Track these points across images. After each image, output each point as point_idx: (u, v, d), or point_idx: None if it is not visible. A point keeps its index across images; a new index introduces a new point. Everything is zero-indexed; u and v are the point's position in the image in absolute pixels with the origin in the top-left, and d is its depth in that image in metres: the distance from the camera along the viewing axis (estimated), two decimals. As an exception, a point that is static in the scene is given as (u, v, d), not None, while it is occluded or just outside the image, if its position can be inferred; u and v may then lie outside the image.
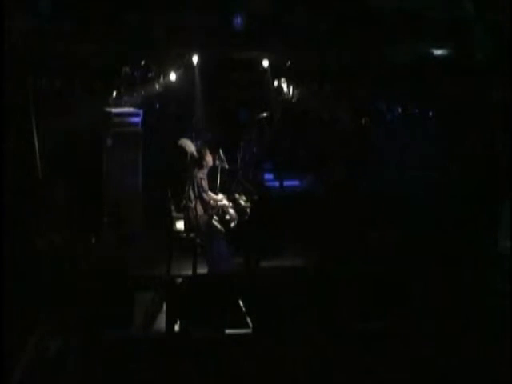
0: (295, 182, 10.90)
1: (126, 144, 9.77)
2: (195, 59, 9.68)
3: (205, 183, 8.35)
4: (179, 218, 8.44)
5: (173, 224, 8.45)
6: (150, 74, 10.11)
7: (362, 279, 7.92)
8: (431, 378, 6.07)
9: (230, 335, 6.87)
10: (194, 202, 8.14)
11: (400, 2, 9.06)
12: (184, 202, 8.26)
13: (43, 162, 8.98)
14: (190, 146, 8.59)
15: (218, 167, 8.71)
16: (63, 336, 6.42)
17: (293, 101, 11.09)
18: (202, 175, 8.31)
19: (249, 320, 7.16)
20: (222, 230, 8.30)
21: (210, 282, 7.78)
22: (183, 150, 8.58)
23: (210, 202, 8.26)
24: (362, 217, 9.94)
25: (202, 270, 8.19)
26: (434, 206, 9.79)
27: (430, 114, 10.87)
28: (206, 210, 8.21)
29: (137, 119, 9.85)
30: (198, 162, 8.33)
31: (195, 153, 8.46)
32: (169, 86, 10.24)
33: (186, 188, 8.23)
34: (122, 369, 6.03)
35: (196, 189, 8.16)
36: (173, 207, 8.54)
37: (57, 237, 8.67)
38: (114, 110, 9.78)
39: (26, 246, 8.08)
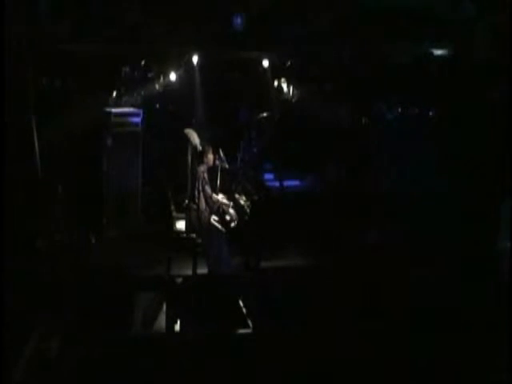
0: (295, 182, 10.90)
1: (126, 144, 9.77)
2: (195, 59, 9.68)
3: (206, 176, 8.31)
4: (179, 218, 8.44)
5: (173, 224, 8.44)
6: (149, 74, 10.10)
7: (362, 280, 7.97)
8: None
9: (230, 335, 6.88)
10: (197, 201, 8.10)
11: (400, 1, 9.07)
12: (187, 201, 8.23)
13: (43, 161, 8.98)
14: (195, 138, 8.45)
15: (217, 167, 8.70)
16: (63, 336, 6.42)
17: (293, 101, 11.09)
18: (203, 169, 8.26)
19: (249, 320, 7.17)
20: (222, 230, 8.29)
21: (210, 282, 7.78)
22: (187, 140, 8.46)
23: (212, 196, 8.24)
24: (361, 216, 9.95)
25: (202, 270, 8.19)
26: (434, 205, 9.79)
27: (430, 113, 10.87)
28: (208, 204, 8.15)
29: (137, 119, 9.85)
30: (200, 157, 8.27)
31: (199, 146, 8.38)
32: (169, 85, 10.24)
33: (189, 186, 8.19)
34: (121, 369, 6.03)
35: (199, 182, 8.10)
36: (173, 207, 8.53)
37: (56, 237, 8.68)
38: (113, 109, 9.79)
39: (26, 245, 8.08)
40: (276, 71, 10.46)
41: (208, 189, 8.19)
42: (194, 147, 8.33)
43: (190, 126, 8.98)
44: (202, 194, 8.09)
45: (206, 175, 8.24)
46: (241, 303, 7.48)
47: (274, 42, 9.20)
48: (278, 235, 9.35)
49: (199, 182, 8.10)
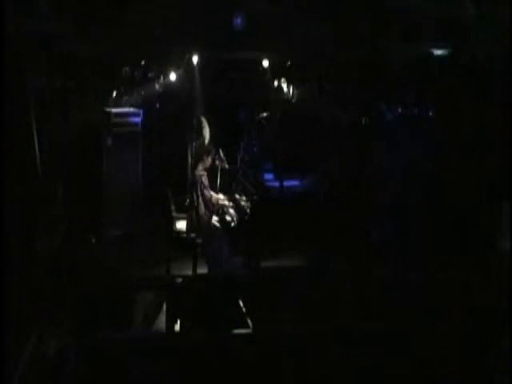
0: (295, 182, 10.89)
1: (125, 144, 9.78)
2: (195, 59, 9.68)
3: (205, 179, 8.31)
4: (179, 218, 8.44)
5: (173, 224, 8.44)
6: (150, 74, 10.11)
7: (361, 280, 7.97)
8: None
9: (230, 335, 6.88)
10: (196, 204, 8.09)
11: (400, 1, 9.06)
12: (188, 201, 8.22)
13: (43, 162, 8.97)
14: (206, 131, 8.44)
15: (217, 167, 8.70)
16: (63, 336, 6.42)
17: (293, 101, 11.08)
18: (201, 172, 8.24)
19: (249, 320, 7.17)
20: (222, 230, 8.28)
21: (210, 282, 7.79)
22: (200, 128, 8.40)
23: (211, 198, 8.23)
24: (361, 216, 9.95)
25: (202, 270, 8.19)
26: (434, 206, 9.79)
27: (430, 113, 10.86)
28: (207, 207, 8.15)
29: (137, 119, 9.87)
30: (202, 155, 8.24)
31: (206, 141, 8.35)
32: (169, 85, 10.24)
33: (189, 186, 8.18)
34: (121, 369, 6.03)
35: (198, 186, 8.09)
36: (173, 207, 8.53)
37: (56, 237, 8.68)
38: (113, 109, 9.79)
39: (26, 246, 8.08)
40: (276, 71, 10.46)
41: (207, 192, 8.16)
42: (202, 142, 8.32)
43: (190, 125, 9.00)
44: (200, 198, 8.08)
45: (204, 179, 8.20)
46: (241, 303, 7.49)
47: (274, 42, 9.18)
48: (278, 235, 9.35)
49: (197, 186, 8.08)
